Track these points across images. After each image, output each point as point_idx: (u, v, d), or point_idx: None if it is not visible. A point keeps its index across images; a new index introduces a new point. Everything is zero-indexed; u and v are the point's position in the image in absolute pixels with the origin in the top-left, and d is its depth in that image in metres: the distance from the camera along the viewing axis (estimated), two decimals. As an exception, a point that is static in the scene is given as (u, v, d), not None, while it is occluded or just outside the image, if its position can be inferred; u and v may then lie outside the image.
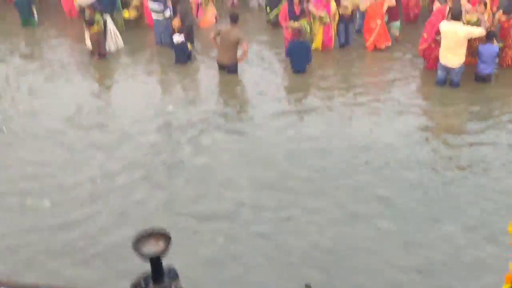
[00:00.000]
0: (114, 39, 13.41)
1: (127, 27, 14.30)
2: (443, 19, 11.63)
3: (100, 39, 13.05)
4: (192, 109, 11.05)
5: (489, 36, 11.38)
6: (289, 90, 11.87)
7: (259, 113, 10.85)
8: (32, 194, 8.59)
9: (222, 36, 11.90)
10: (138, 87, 12.03)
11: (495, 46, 11.40)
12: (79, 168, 9.22)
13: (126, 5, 14.45)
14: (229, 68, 12.13)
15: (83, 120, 10.75)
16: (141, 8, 14.28)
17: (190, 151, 9.63)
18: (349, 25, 13.21)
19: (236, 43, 11.79)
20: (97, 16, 12.96)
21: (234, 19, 11.88)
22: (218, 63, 12.25)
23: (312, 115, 10.80)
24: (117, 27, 13.67)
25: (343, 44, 13.22)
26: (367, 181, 8.61)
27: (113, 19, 13.80)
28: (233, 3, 15.12)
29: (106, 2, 14.09)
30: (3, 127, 10.54)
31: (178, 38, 12.62)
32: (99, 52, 13.06)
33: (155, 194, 8.47)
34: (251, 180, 8.73)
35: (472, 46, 11.44)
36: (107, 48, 13.28)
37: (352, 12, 12.96)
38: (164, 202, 8.29)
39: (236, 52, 11.97)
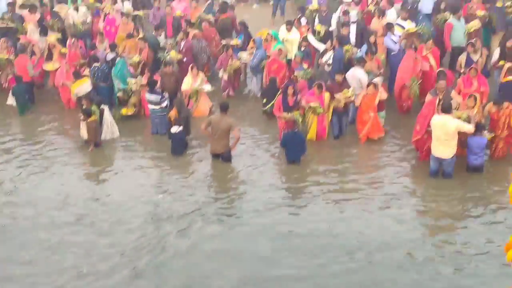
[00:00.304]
0: (110, 128, 13.55)
1: (124, 116, 14.45)
2: (434, 111, 11.76)
3: (97, 128, 13.18)
4: (183, 198, 11.02)
5: (477, 128, 11.49)
6: (282, 181, 11.88)
7: (251, 204, 10.83)
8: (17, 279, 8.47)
9: (213, 126, 12.09)
10: (131, 177, 12.05)
11: (483, 138, 11.52)
12: (63, 255, 9.09)
13: (124, 102, 14.64)
14: (223, 156, 12.24)
15: (69, 210, 10.72)
16: (138, 105, 14.49)
17: (178, 241, 9.55)
18: (343, 118, 13.27)
19: (228, 131, 12.00)
20: (94, 107, 13.15)
21: (224, 108, 12.15)
22: (211, 153, 12.38)
23: (304, 208, 10.80)
24: (114, 118, 13.82)
25: (337, 136, 13.27)
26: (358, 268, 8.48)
27: (111, 95, 14.15)
28: (228, 93, 15.32)
29: (103, 94, 14.35)
30: None
31: (176, 129, 12.75)
32: (95, 141, 13.16)
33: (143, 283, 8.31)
34: (237, 276, 8.60)
35: (461, 138, 11.50)
36: (102, 136, 13.39)
37: (345, 105, 13.06)
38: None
39: (228, 140, 12.15)
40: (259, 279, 8.57)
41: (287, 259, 9.07)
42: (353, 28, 15.56)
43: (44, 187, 11.69)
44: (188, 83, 14.35)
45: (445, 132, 11.13)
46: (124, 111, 14.40)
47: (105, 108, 13.53)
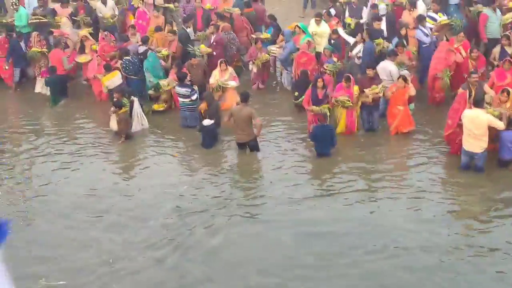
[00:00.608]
0: (140, 120, 13.66)
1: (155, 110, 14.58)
2: (465, 104, 11.61)
3: (127, 120, 13.31)
4: (209, 191, 11.07)
5: (510, 123, 11.31)
6: (310, 173, 11.84)
7: (276, 197, 10.81)
8: (46, 277, 8.60)
9: (235, 116, 12.27)
10: (160, 169, 12.13)
11: None
12: (91, 250, 9.23)
13: (156, 98, 14.74)
14: (250, 145, 12.42)
15: (99, 201, 10.85)
16: (170, 100, 14.57)
17: (202, 233, 9.60)
18: (373, 112, 13.11)
19: (250, 120, 12.15)
20: (125, 100, 13.28)
21: (244, 98, 12.35)
22: (237, 143, 12.55)
23: (331, 199, 10.73)
24: (144, 113, 13.94)
25: (368, 130, 13.14)
26: (380, 269, 8.40)
27: (141, 105, 14.13)
28: (258, 86, 15.29)
29: (134, 87, 14.47)
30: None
31: (207, 122, 12.84)
32: (126, 133, 13.28)
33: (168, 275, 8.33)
34: (260, 266, 8.61)
35: (492, 132, 11.32)
36: (133, 128, 13.51)
37: (373, 99, 12.89)
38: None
39: (252, 129, 12.30)
40: (280, 272, 8.56)
41: (309, 256, 9.00)
42: (383, 21, 15.35)
43: (73, 179, 11.81)
44: (215, 77, 14.37)
45: (476, 127, 10.97)
46: (155, 106, 14.52)
47: (135, 99, 13.63)
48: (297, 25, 15.47)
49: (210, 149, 12.83)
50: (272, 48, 15.55)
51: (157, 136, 13.64)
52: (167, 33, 15.77)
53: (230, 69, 14.61)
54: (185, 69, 14.45)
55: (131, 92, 13.79)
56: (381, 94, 12.85)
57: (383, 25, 15.27)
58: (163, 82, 14.47)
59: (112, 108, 13.25)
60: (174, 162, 12.46)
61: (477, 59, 13.81)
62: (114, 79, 14.32)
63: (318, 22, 15.19)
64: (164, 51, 15.02)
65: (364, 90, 12.76)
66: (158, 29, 16.04)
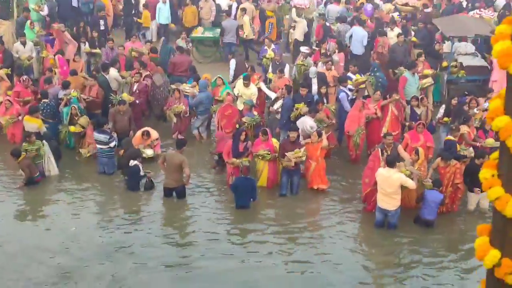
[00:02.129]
0: (48, 166, 13.34)
1: (70, 156, 14.20)
2: (379, 162, 12.03)
3: (30, 166, 12.87)
4: (123, 236, 10.99)
5: (435, 184, 11.80)
6: (230, 226, 11.88)
7: (196, 249, 10.80)
8: None
9: (167, 161, 12.43)
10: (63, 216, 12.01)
11: (441, 194, 11.78)
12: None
13: (75, 119, 14.39)
14: (177, 191, 12.59)
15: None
16: (87, 126, 14.27)
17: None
18: (294, 176, 12.94)
19: (180, 167, 12.31)
20: (38, 143, 12.99)
21: (179, 145, 12.64)
22: (164, 187, 12.65)
23: (251, 254, 10.85)
24: (60, 139, 14.00)
25: (284, 195, 12.92)
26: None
27: (58, 132, 14.14)
28: (177, 136, 15.15)
29: (50, 129, 14.14)
30: None
31: (132, 162, 12.91)
32: (31, 179, 12.89)
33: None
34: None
35: (417, 192, 11.79)
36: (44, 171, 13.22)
37: (295, 163, 12.79)
38: None
39: (181, 175, 12.43)
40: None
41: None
42: (315, 80, 15.70)
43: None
44: (135, 141, 14.16)
45: (389, 185, 11.34)
46: (72, 128, 14.19)
47: (45, 144, 13.30)
48: (219, 76, 15.66)
49: (132, 193, 12.83)
50: (186, 87, 15.59)
51: (68, 182, 13.36)
52: (89, 78, 15.52)
53: (154, 135, 14.44)
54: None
55: (47, 117, 13.61)
56: (304, 158, 12.82)
57: (314, 82, 15.61)
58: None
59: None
60: (83, 208, 12.31)
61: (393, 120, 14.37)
62: (34, 126, 13.84)
63: (246, 85, 15.18)
64: (74, 93, 14.61)
65: (286, 154, 12.69)
66: (73, 72, 15.80)
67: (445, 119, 14.42)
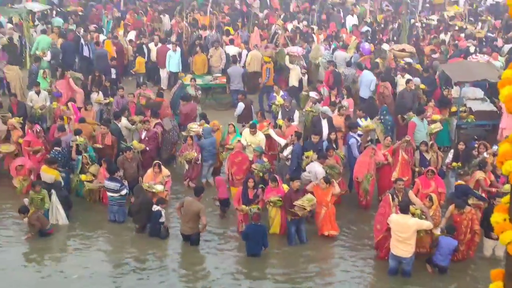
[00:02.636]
0: (55, 215, 13.32)
1: (80, 204, 14.23)
2: (389, 208, 12.00)
3: (39, 219, 12.83)
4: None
5: (448, 231, 11.71)
6: (241, 275, 11.77)
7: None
8: None
9: (185, 207, 12.43)
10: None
11: (455, 240, 11.66)
12: None
13: (86, 167, 14.52)
14: (191, 239, 12.54)
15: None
16: (98, 174, 14.32)
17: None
18: (301, 225, 12.85)
19: (197, 215, 12.28)
20: (44, 192, 13.03)
21: (198, 192, 12.67)
22: (181, 233, 12.68)
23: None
24: (71, 188, 14.00)
25: (294, 245, 12.79)
26: None
27: (69, 181, 14.10)
28: (188, 184, 15.16)
29: (62, 158, 14.32)
30: None
31: (155, 207, 12.96)
32: (42, 231, 12.88)
33: None
34: None
35: (431, 238, 11.70)
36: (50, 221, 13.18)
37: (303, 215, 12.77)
38: None
39: (197, 223, 12.42)
40: None
41: None
42: (324, 123, 15.84)
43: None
44: (146, 179, 14.15)
45: (404, 231, 11.24)
46: (83, 177, 14.24)
47: (53, 193, 13.32)
48: (231, 124, 15.77)
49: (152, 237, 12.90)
50: (193, 126, 15.73)
51: (78, 230, 13.35)
52: (102, 126, 15.66)
53: (165, 172, 14.42)
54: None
55: (53, 185, 13.51)
56: (310, 208, 12.65)
57: (324, 126, 15.72)
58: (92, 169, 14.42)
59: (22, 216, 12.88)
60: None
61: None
62: (51, 177, 13.89)
63: (253, 133, 15.23)
64: (80, 139, 14.70)
65: (295, 203, 12.53)
66: (82, 120, 15.98)
67: (454, 164, 14.39)
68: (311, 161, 14.03)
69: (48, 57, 20.93)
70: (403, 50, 21.30)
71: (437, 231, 11.87)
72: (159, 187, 13.95)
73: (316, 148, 14.45)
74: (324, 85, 19.14)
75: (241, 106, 17.62)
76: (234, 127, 15.75)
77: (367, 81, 18.77)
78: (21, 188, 14.15)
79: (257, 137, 15.18)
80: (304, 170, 14.04)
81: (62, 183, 13.95)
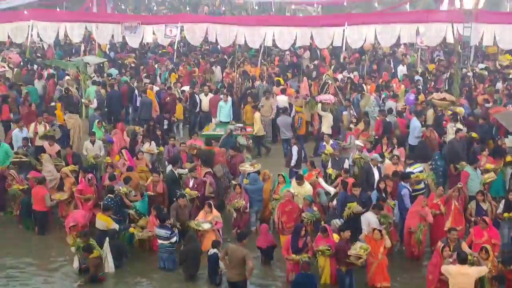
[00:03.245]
0: (105, 262, 13.45)
1: (130, 251, 14.36)
2: (441, 258, 11.77)
3: (99, 265, 13.12)
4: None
5: (501, 280, 11.44)
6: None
7: None
8: None
9: (230, 254, 12.40)
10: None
11: None
12: None
13: (135, 220, 14.74)
14: (238, 286, 12.45)
15: None
16: (148, 223, 14.47)
17: None
18: (351, 275, 12.72)
19: (243, 260, 12.19)
20: (92, 242, 13.25)
21: (241, 238, 12.66)
22: (228, 282, 12.61)
23: None
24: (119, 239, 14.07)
25: None
26: None
27: (119, 234, 14.11)
28: (237, 232, 15.09)
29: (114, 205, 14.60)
30: None
31: (211, 250, 13.06)
32: (95, 276, 13.07)
33: None
34: None
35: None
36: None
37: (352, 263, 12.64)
38: None
39: (243, 269, 12.27)
40: None
41: None
42: (375, 171, 15.84)
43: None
44: (198, 217, 14.41)
45: (466, 281, 11.09)
46: (132, 230, 14.37)
47: (106, 240, 13.53)
48: (280, 174, 15.75)
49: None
50: (246, 165, 15.92)
51: (126, 277, 13.45)
52: (153, 174, 15.92)
53: (216, 213, 14.55)
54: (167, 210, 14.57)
55: (108, 233, 13.73)
56: (365, 257, 12.53)
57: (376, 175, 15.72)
58: (145, 217, 14.61)
59: (82, 252, 13.16)
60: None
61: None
62: (104, 224, 14.11)
63: (300, 184, 15.18)
64: (124, 188, 15.02)
65: (350, 253, 12.41)
66: (130, 169, 16.27)
67: (505, 214, 14.03)
68: (353, 213, 13.87)
69: (94, 104, 21.73)
70: (443, 99, 21.15)
71: None
72: (206, 226, 14.08)
73: (359, 200, 14.28)
74: (353, 133, 19.09)
75: (295, 149, 17.84)
76: (284, 177, 15.72)
77: (413, 128, 19.01)
78: (73, 245, 14.13)
79: (304, 187, 15.11)
80: (341, 218, 13.93)
81: (117, 231, 14.09)
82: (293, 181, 15.39)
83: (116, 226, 14.11)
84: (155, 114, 21.98)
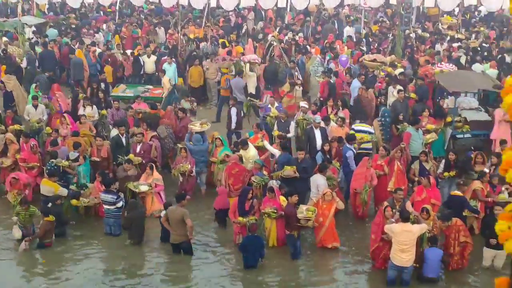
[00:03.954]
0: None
1: (75, 218, 14.14)
2: (384, 218, 11.98)
3: (51, 230, 12.94)
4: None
5: (433, 240, 11.70)
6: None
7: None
8: None
9: (170, 217, 12.45)
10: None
11: (440, 250, 11.69)
12: None
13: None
14: (183, 248, 12.59)
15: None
16: (92, 189, 14.28)
17: None
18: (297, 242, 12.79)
19: (183, 221, 12.31)
20: (21, 211, 13.13)
21: (179, 199, 12.76)
22: (172, 244, 12.67)
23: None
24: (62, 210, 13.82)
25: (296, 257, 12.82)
26: None
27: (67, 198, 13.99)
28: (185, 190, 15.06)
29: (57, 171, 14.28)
30: None
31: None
32: (47, 241, 12.95)
33: None
34: None
35: (417, 251, 11.61)
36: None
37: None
38: None
39: (185, 230, 12.39)
40: None
41: None
42: (318, 133, 15.92)
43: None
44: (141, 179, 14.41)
45: (408, 239, 11.26)
46: (74, 202, 14.09)
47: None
48: (218, 137, 15.66)
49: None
50: (197, 124, 16.02)
51: (72, 242, 13.31)
52: (98, 139, 15.69)
53: (157, 175, 14.55)
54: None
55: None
56: (314, 218, 12.65)
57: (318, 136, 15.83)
58: (90, 186, 14.39)
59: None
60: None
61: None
62: (50, 190, 13.85)
63: (244, 148, 15.13)
64: (64, 162, 14.63)
65: (299, 217, 12.50)
66: (76, 134, 15.98)
67: (446, 173, 14.42)
68: (281, 176, 14.06)
69: (24, 63, 21.39)
70: (374, 60, 21.51)
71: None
72: (143, 188, 14.12)
73: (299, 164, 14.32)
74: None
75: (234, 111, 17.83)
76: (222, 140, 15.65)
77: (353, 88, 19.51)
78: (16, 202, 14.02)
79: (249, 152, 15.10)
80: (281, 180, 14.08)
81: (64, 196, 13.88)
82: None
83: (64, 192, 13.90)
84: (86, 75, 21.65)
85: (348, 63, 22.08)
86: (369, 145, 16.22)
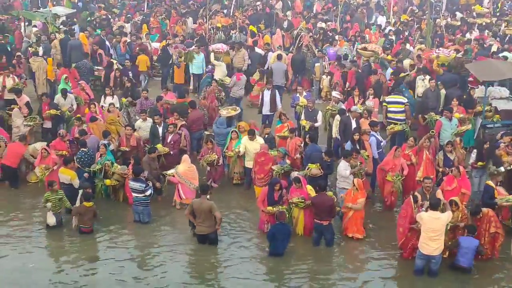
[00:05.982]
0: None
1: (105, 207, 14.33)
2: (411, 209, 11.91)
3: (92, 215, 13.18)
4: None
5: (469, 231, 11.64)
6: (265, 275, 11.83)
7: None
8: None
9: (196, 209, 12.48)
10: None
11: (475, 239, 11.59)
12: None
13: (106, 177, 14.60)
14: (210, 238, 12.65)
15: None
16: (122, 179, 14.43)
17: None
18: (325, 232, 12.69)
19: (210, 212, 12.36)
20: (48, 195, 13.27)
21: (204, 190, 12.85)
22: (197, 235, 12.72)
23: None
24: (96, 192, 14.18)
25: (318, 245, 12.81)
26: None
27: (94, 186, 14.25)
28: (211, 185, 15.10)
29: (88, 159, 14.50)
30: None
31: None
32: (90, 229, 13.23)
33: None
34: None
35: (453, 239, 11.60)
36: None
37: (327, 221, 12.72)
38: None
39: (213, 221, 12.47)
40: None
41: None
42: (354, 123, 15.82)
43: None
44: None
45: (438, 227, 11.21)
46: (107, 182, 14.36)
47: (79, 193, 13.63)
48: (234, 130, 15.65)
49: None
50: (229, 109, 16.49)
51: (101, 231, 13.44)
52: (126, 128, 15.83)
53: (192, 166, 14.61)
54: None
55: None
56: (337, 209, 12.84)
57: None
58: (116, 166, 14.55)
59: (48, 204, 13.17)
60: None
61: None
62: (67, 178, 14.02)
63: (251, 139, 15.15)
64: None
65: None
66: (94, 118, 16.15)
67: (479, 163, 14.25)
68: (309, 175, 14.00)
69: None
70: (365, 49, 21.42)
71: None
72: (171, 170, 14.48)
73: (323, 162, 14.24)
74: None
75: (267, 94, 18.10)
76: (237, 133, 15.60)
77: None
78: (42, 177, 14.22)
79: (255, 143, 15.07)
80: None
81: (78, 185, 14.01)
82: (245, 138, 15.25)
83: (76, 183, 14.01)
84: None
85: (335, 56, 21.87)
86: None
